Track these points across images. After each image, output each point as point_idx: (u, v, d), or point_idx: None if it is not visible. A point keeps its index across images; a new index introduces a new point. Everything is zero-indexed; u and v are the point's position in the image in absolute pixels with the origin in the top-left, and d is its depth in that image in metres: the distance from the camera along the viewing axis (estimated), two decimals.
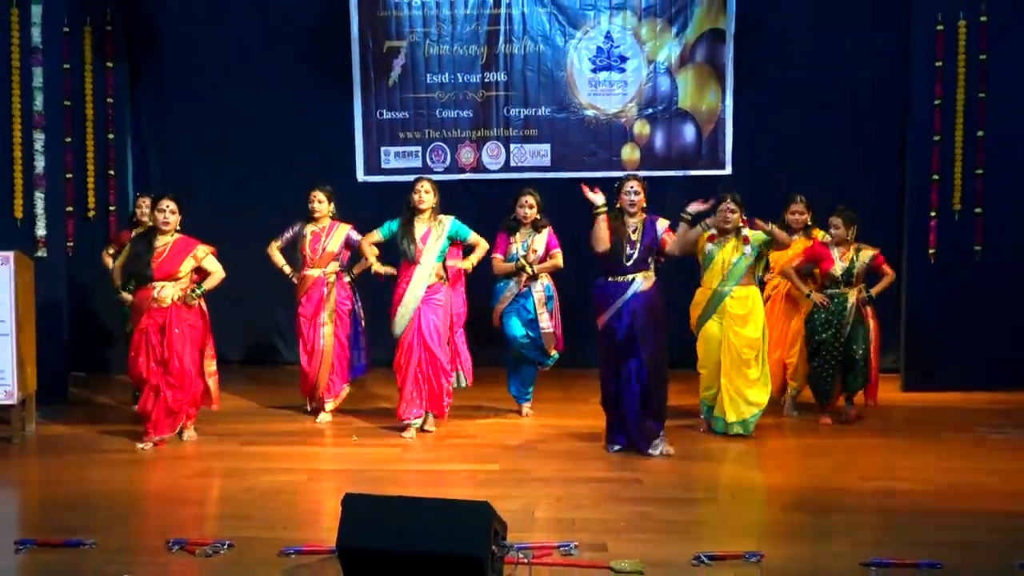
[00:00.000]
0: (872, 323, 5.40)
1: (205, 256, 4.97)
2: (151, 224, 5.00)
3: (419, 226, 5.04)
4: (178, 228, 4.95)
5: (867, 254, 5.32)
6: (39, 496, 4.35)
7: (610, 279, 4.73)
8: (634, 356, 4.66)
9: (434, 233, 5.04)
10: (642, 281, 4.69)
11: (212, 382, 5.10)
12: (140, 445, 4.91)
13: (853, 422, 5.37)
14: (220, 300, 5.23)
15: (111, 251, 5.90)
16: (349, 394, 5.76)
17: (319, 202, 5.48)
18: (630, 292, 4.67)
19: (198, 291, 4.95)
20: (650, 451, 4.69)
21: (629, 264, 4.69)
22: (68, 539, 3.50)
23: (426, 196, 5.00)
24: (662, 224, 4.80)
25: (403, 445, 5.02)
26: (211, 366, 5.09)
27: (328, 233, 5.49)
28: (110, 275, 5.55)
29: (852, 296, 5.27)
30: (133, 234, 5.44)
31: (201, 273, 5.01)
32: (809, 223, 5.69)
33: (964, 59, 6.28)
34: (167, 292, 4.87)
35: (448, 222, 5.10)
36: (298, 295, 5.59)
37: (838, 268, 5.27)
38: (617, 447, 4.78)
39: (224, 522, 3.92)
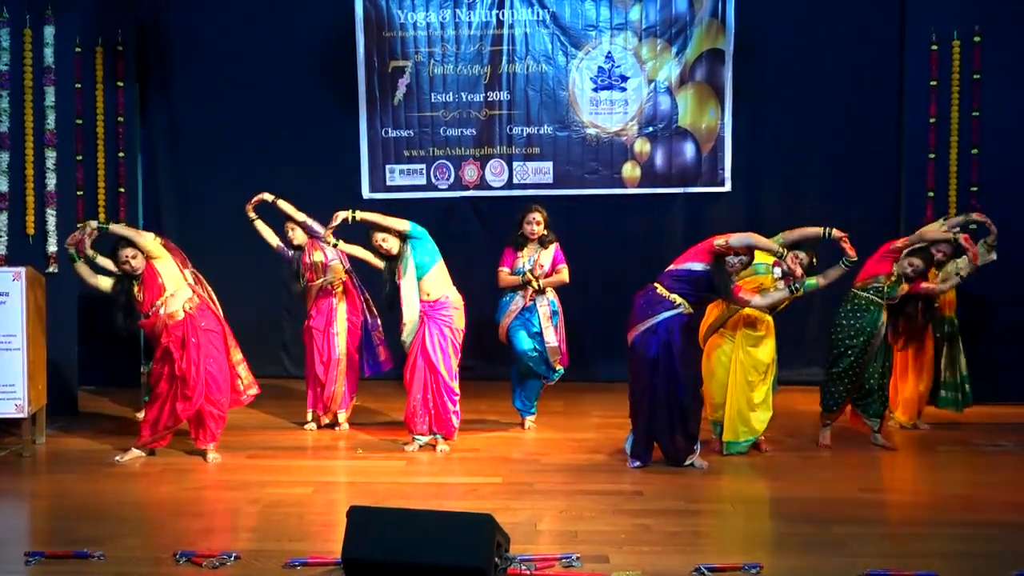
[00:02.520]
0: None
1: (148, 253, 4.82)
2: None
3: (393, 262, 5.16)
4: (147, 258, 4.82)
5: (904, 286, 5.23)
6: (48, 508, 4.39)
7: (659, 290, 4.73)
8: (671, 375, 4.66)
9: (402, 261, 5.12)
10: (684, 304, 4.70)
11: (242, 369, 5.13)
12: (118, 458, 4.93)
13: (891, 447, 5.25)
14: (226, 313, 5.27)
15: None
16: (354, 407, 5.84)
17: (292, 230, 5.63)
18: (670, 312, 4.67)
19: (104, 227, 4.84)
20: (685, 463, 4.75)
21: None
22: (77, 551, 3.52)
23: (384, 244, 5.11)
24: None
25: (407, 458, 5.06)
26: (236, 355, 5.11)
27: (310, 251, 5.62)
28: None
29: (884, 314, 5.15)
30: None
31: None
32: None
33: (958, 78, 6.38)
34: (174, 305, 4.87)
35: (407, 245, 5.12)
36: (307, 307, 5.71)
37: (884, 277, 5.12)
38: (638, 463, 4.79)
39: (231, 534, 3.95)
